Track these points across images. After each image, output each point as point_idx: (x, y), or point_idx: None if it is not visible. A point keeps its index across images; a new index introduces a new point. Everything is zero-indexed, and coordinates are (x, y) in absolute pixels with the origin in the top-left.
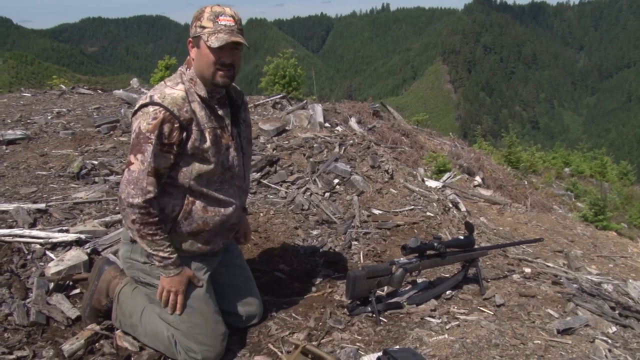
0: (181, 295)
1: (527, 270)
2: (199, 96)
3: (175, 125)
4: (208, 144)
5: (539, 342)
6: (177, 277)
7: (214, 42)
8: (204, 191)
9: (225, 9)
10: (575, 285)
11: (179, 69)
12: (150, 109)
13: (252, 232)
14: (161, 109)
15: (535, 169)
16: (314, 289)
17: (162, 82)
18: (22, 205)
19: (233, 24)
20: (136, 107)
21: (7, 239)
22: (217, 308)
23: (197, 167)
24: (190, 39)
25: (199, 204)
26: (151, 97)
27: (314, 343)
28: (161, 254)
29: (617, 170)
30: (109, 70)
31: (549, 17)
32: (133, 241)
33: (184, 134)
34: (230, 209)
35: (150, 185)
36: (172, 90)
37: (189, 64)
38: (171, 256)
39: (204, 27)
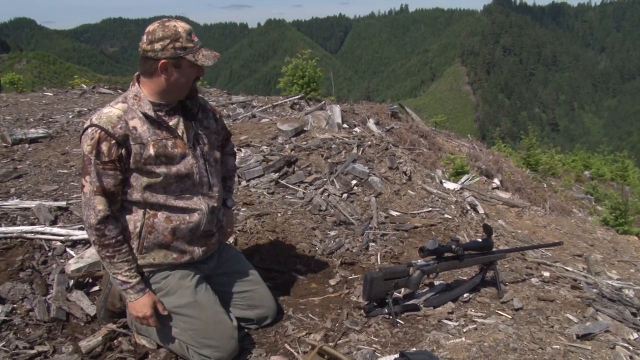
0: (151, 319)
1: (546, 274)
2: (141, 112)
3: (112, 142)
4: (151, 156)
5: (558, 347)
6: (139, 301)
7: (206, 60)
8: (161, 202)
9: (184, 24)
10: (595, 290)
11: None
12: (89, 130)
13: (235, 231)
14: (97, 128)
15: (554, 171)
16: (330, 289)
17: (108, 103)
18: (43, 203)
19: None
20: (81, 131)
21: (29, 235)
22: (217, 307)
23: (145, 180)
24: (165, 61)
25: (160, 215)
26: (91, 119)
27: (330, 344)
28: (120, 277)
29: (638, 174)
30: (129, 70)
31: (569, 18)
32: None
33: (123, 150)
34: (196, 216)
35: (100, 204)
36: (110, 109)
37: (134, 81)
38: (130, 280)
39: (185, 48)
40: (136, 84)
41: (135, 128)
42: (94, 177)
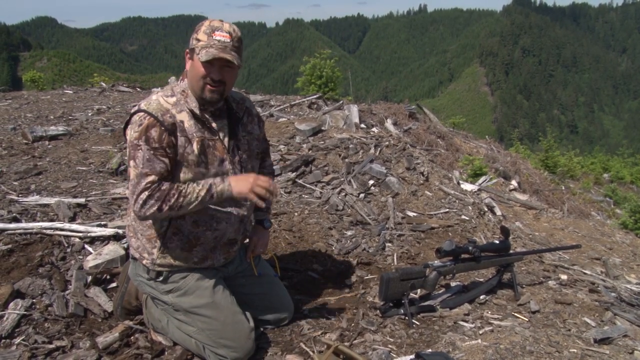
0: (259, 181)
1: (564, 277)
2: (189, 108)
3: (162, 129)
4: (195, 151)
5: (575, 350)
6: (233, 186)
7: (203, 56)
8: None
9: (224, 24)
10: (613, 294)
11: (174, 81)
12: (136, 117)
13: (266, 248)
14: (145, 114)
15: (573, 174)
16: (347, 289)
17: (156, 91)
18: (63, 200)
19: (228, 40)
20: (128, 118)
21: (48, 232)
22: (235, 308)
23: (181, 177)
24: (187, 50)
25: (188, 218)
26: (139, 105)
27: (346, 344)
28: (203, 192)
29: None
30: (147, 68)
31: (590, 19)
32: (134, 258)
33: (173, 138)
34: (224, 224)
35: (150, 177)
36: (159, 98)
37: (183, 76)
38: (210, 190)
39: (199, 40)
40: (185, 79)
41: (182, 121)
42: (142, 162)
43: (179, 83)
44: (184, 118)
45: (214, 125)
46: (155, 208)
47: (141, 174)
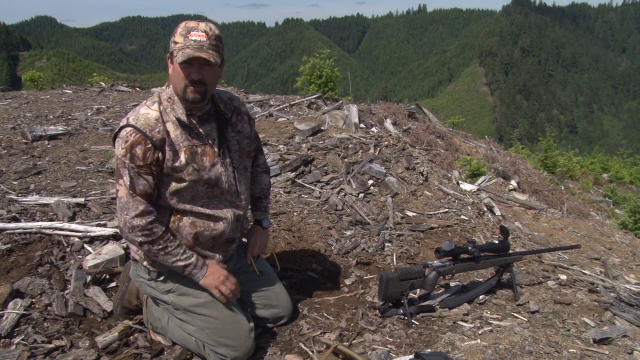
0: (230, 280)
1: (563, 277)
2: (175, 117)
3: (148, 146)
4: (183, 163)
5: (574, 351)
6: (209, 274)
7: (180, 57)
8: (187, 208)
9: (200, 24)
10: (612, 294)
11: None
12: (123, 132)
13: (265, 248)
14: (133, 130)
15: (572, 174)
16: (346, 289)
17: (143, 102)
18: (62, 199)
19: (205, 39)
20: (116, 130)
21: (47, 231)
22: (234, 307)
23: (173, 186)
24: (168, 54)
25: (186, 220)
26: (128, 118)
27: (345, 343)
28: (179, 263)
29: None
30: (147, 68)
31: (589, 19)
32: (135, 260)
33: (159, 154)
34: (221, 224)
35: (142, 204)
36: (148, 110)
37: (169, 82)
38: (189, 261)
39: (176, 43)
40: (171, 85)
41: (168, 132)
42: (130, 181)
43: (165, 89)
44: (170, 129)
45: (201, 130)
46: (138, 241)
47: (129, 194)
